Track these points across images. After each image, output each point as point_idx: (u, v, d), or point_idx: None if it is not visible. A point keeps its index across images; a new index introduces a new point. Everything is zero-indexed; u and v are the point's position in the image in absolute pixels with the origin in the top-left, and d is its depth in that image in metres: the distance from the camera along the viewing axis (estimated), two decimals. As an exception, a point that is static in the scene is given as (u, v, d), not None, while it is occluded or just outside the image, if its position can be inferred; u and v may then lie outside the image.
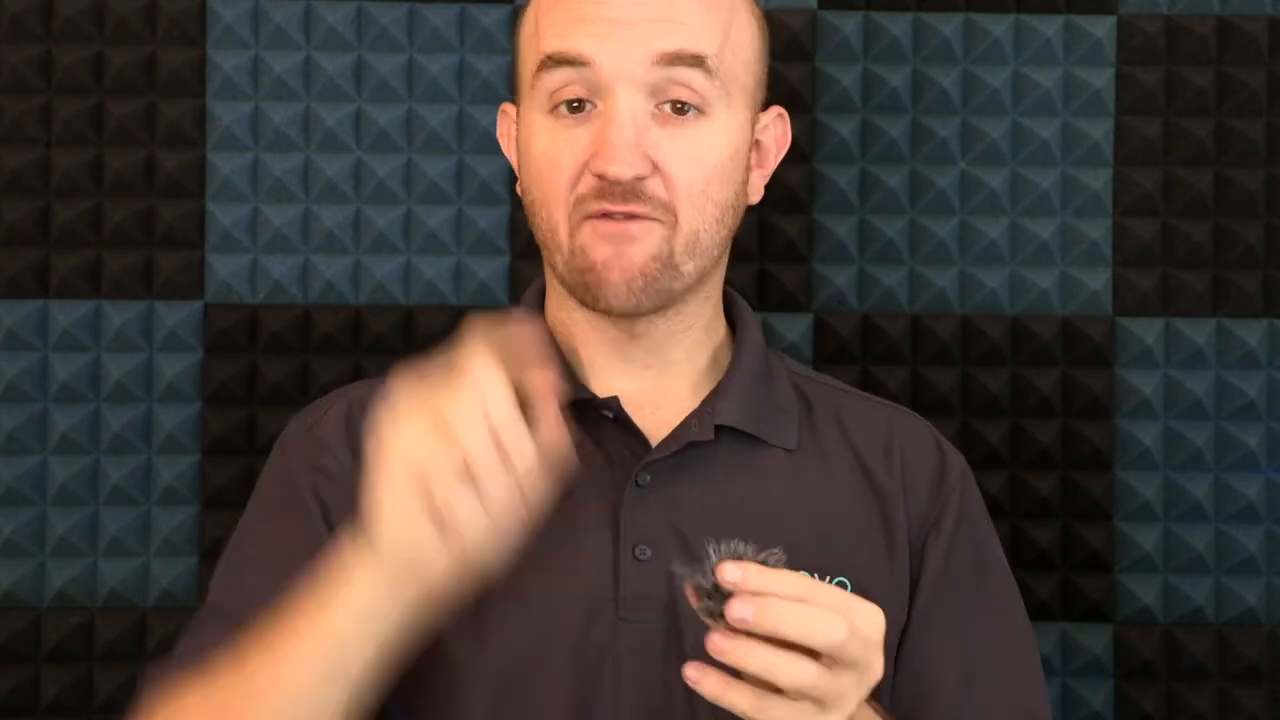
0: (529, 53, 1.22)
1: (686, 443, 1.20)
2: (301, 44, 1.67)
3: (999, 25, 1.69)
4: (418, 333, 1.66)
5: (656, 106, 1.17)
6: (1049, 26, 1.69)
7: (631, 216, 1.16)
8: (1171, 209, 1.69)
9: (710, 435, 1.20)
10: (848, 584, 1.17)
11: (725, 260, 1.25)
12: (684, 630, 1.14)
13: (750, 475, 1.21)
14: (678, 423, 1.21)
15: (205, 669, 1.11)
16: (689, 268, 1.19)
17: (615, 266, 1.17)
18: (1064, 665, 1.67)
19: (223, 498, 1.64)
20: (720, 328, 1.28)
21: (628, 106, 1.16)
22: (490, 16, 1.68)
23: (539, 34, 1.20)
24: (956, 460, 1.28)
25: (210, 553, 1.61)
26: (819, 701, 0.97)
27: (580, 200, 1.17)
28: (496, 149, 1.36)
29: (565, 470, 1.06)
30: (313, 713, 1.06)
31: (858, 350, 1.68)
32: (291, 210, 1.67)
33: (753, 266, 1.68)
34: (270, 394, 1.66)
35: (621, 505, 1.17)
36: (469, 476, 1.00)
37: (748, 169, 1.23)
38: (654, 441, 1.20)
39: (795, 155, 1.65)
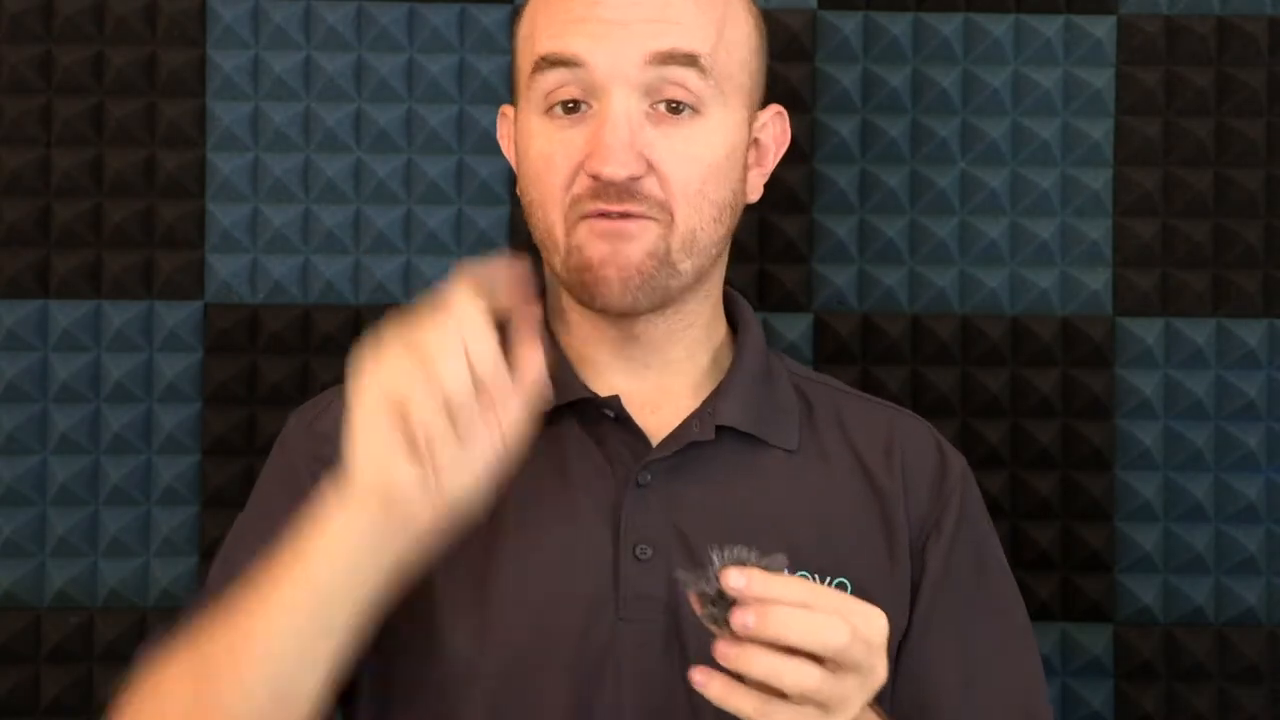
0: (525, 54, 1.22)
1: (687, 443, 1.20)
2: (301, 44, 1.68)
3: (999, 25, 1.69)
4: (418, 333, 1.66)
5: (651, 106, 1.17)
6: (1049, 26, 1.69)
7: (627, 215, 1.16)
8: (1171, 209, 1.69)
9: (711, 435, 1.20)
10: (848, 585, 1.17)
11: (725, 259, 1.25)
12: (684, 630, 1.14)
13: (751, 476, 1.21)
14: (678, 423, 1.21)
15: (190, 633, 1.11)
16: (686, 266, 1.19)
17: (612, 264, 1.17)
18: (1064, 665, 1.67)
19: (223, 498, 1.64)
20: (721, 328, 1.28)
21: (622, 106, 1.16)
22: (490, 16, 1.68)
23: (534, 35, 1.20)
24: (957, 461, 1.28)
25: (210, 553, 1.60)
26: (823, 705, 0.98)
27: (576, 200, 1.17)
28: (496, 149, 1.36)
29: (543, 405, 1.06)
30: (298, 667, 1.05)
31: (858, 350, 1.68)
32: (291, 210, 1.67)
33: (753, 266, 1.68)
34: (270, 394, 1.66)
35: (622, 505, 1.17)
36: (447, 409, 1.00)
37: (745, 167, 1.23)
38: (655, 441, 1.20)
39: (795, 155, 1.65)
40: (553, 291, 1.26)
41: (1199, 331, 1.68)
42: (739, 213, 1.24)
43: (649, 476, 1.18)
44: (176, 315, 1.66)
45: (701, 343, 1.25)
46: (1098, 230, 1.69)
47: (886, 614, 1.02)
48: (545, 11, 1.20)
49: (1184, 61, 1.69)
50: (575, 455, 1.20)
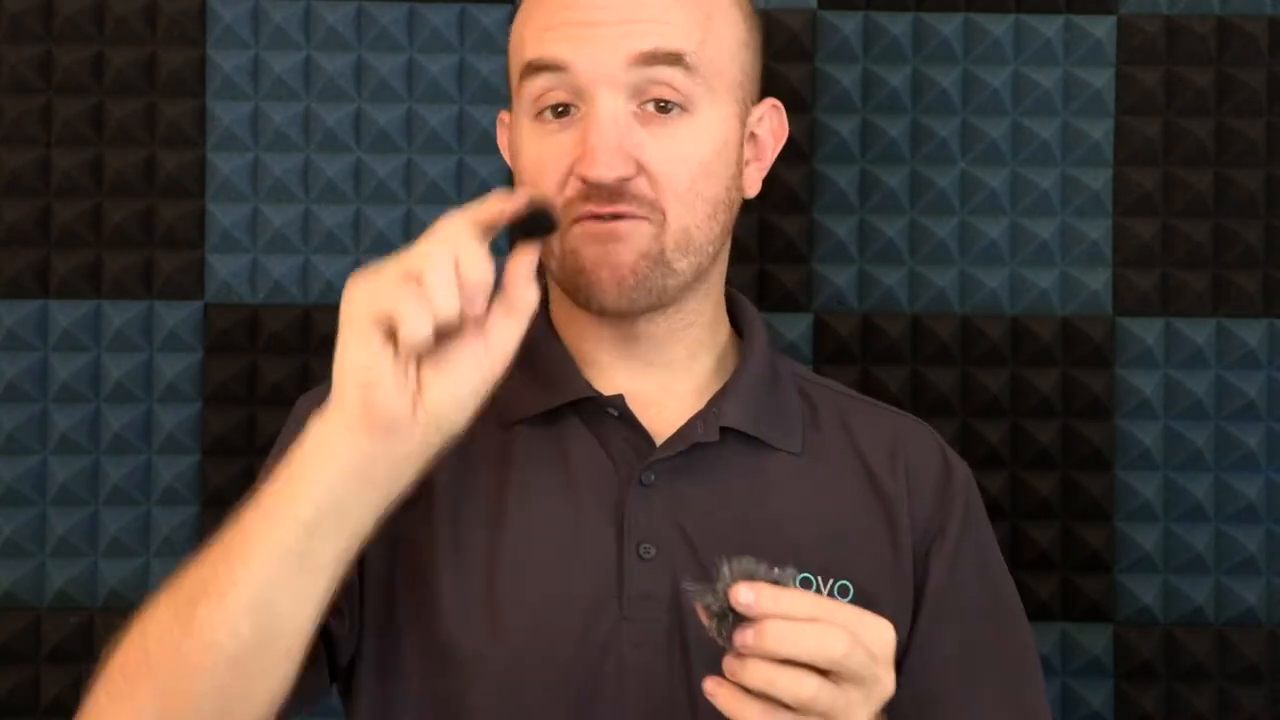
0: (514, 61, 1.22)
1: (692, 443, 1.20)
2: (301, 44, 1.68)
3: (999, 25, 1.69)
4: (418, 333, 1.66)
5: (639, 106, 1.17)
6: (1049, 26, 1.69)
7: (619, 217, 1.16)
8: (1171, 209, 1.69)
9: (715, 437, 1.20)
10: (850, 586, 1.17)
11: (725, 257, 1.25)
12: (687, 629, 1.14)
13: (755, 477, 1.21)
14: (682, 423, 1.21)
15: (176, 575, 1.08)
16: (683, 265, 1.19)
17: (605, 265, 1.17)
18: (1064, 665, 1.67)
19: (223, 498, 1.64)
20: (724, 328, 1.28)
21: (608, 108, 1.16)
22: (490, 16, 1.68)
23: (521, 42, 1.21)
24: (961, 467, 1.28)
25: (210, 553, 1.61)
26: (825, 715, 0.98)
27: (569, 204, 1.17)
28: (496, 149, 1.36)
29: (531, 324, 1.05)
30: (285, 602, 1.03)
31: (858, 350, 1.68)
32: (291, 210, 1.67)
33: (753, 266, 1.68)
34: (270, 394, 1.66)
35: (625, 504, 1.17)
36: (435, 324, 0.99)
37: (740, 163, 1.23)
38: (658, 441, 1.20)
39: (795, 155, 1.65)
40: (554, 292, 1.26)
41: (1199, 331, 1.68)
42: (736, 209, 1.23)
43: (653, 476, 1.18)
44: (176, 315, 1.66)
45: (704, 342, 1.25)
46: (1098, 230, 1.69)
47: (889, 616, 1.02)
48: (531, 17, 1.21)
49: (1184, 61, 1.69)
50: (579, 454, 1.19)
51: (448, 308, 0.99)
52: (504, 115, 1.28)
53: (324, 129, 1.67)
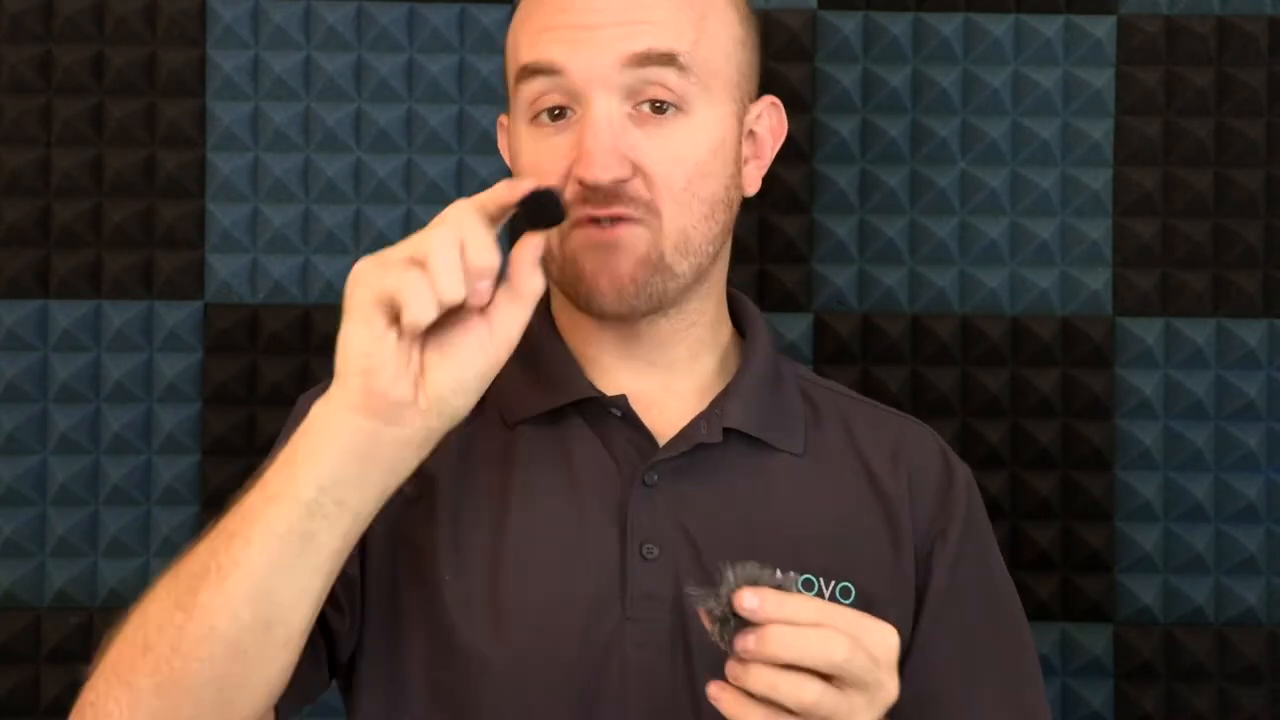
0: (510, 65, 1.22)
1: (695, 444, 1.20)
2: (301, 44, 1.68)
3: (999, 25, 1.69)
4: (418, 333, 1.66)
5: (634, 107, 1.17)
6: (1049, 26, 1.69)
7: (616, 220, 1.16)
8: (1171, 209, 1.69)
9: (719, 438, 1.20)
10: (852, 588, 1.17)
11: (726, 257, 1.25)
12: (690, 629, 1.14)
13: (757, 478, 1.21)
14: (684, 423, 1.21)
15: (176, 562, 1.08)
16: (683, 267, 1.19)
17: (604, 273, 1.17)
18: (1064, 665, 1.67)
19: (223, 498, 1.62)
20: (726, 329, 1.28)
21: (603, 110, 1.16)
22: (490, 16, 1.68)
23: (516, 46, 1.21)
24: (962, 470, 1.28)
25: (210, 553, 1.61)
26: None
27: (567, 207, 1.17)
28: (496, 149, 1.36)
29: (533, 325, 1.05)
30: (284, 587, 1.02)
31: (858, 350, 1.68)
32: (291, 210, 1.67)
33: (753, 266, 1.68)
34: (270, 394, 1.66)
35: (629, 504, 1.17)
36: (439, 306, 0.99)
37: (738, 161, 1.23)
38: (661, 441, 1.20)
39: (795, 155, 1.65)
40: (555, 294, 1.26)
41: (1199, 331, 1.68)
42: (735, 208, 1.23)
43: (656, 476, 1.18)
44: (176, 315, 1.66)
45: (706, 343, 1.25)
46: (1098, 230, 1.69)
47: (890, 618, 1.02)
48: (525, 21, 1.21)
49: (1184, 61, 1.69)
50: (582, 454, 1.19)
51: (452, 292, 0.99)
52: (503, 119, 1.28)
53: (324, 129, 1.67)
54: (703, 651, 1.12)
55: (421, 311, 0.99)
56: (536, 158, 1.18)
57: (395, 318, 1.00)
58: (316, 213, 1.67)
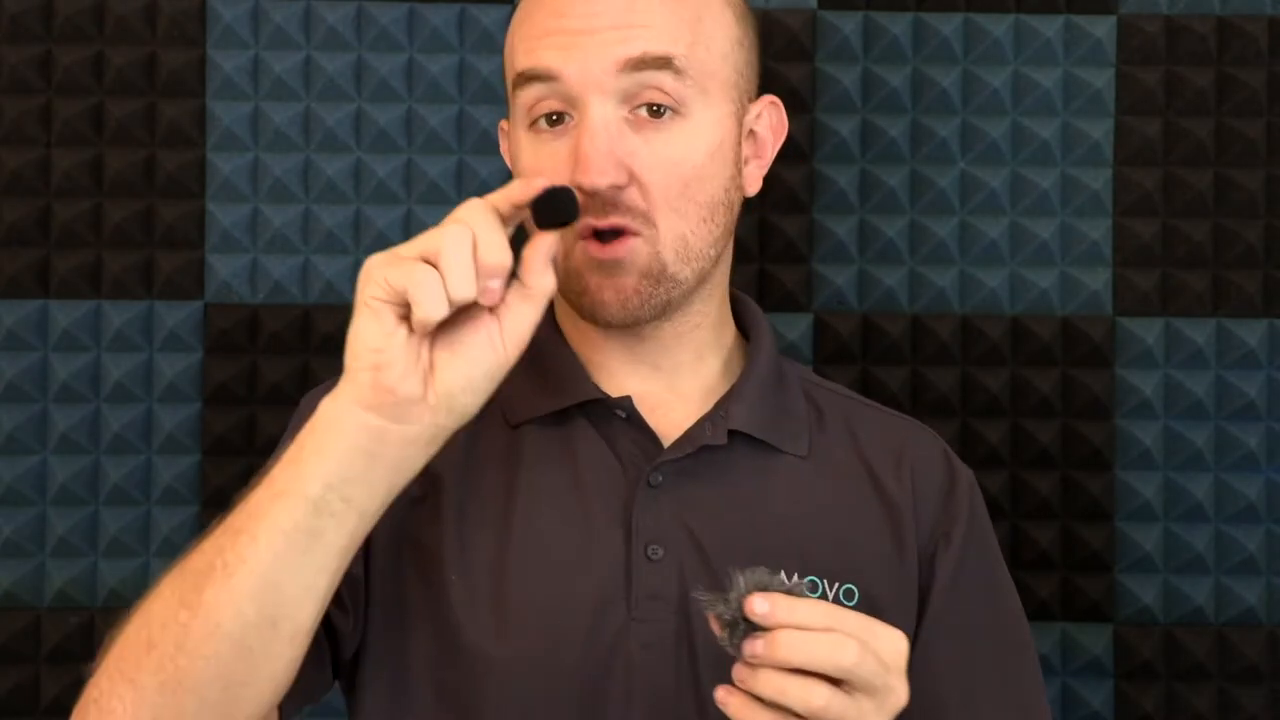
0: (508, 71, 1.22)
1: (700, 445, 1.20)
2: (301, 44, 1.68)
3: (999, 25, 1.69)
4: (418, 333, 1.66)
5: (631, 111, 1.17)
6: (1049, 26, 1.69)
7: (616, 232, 1.16)
8: (1171, 209, 1.69)
9: (723, 439, 1.20)
10: (855, 590, 1.17)
11: (728, 258, 1.25)
12: (694, 630, 1.14)
13: (761, 480, 1.21)
14: (689, 425, 1.21)
15: (180, 560, 1.08)
16: (686, 274, 1.19)
17: (607, 288, 1.17)
18: (1064, 665, 1.67)
19: (223, 498, 1.63)
20: (729, 331, 1.28)
21: (599, 115, 1.16)
22: (490, 16, 1.68)
23: (513, 52, 1.21)
24: (965, 472, 1.28)
25: (210, 553, 1.61)
26: None
27: None
28: (496, 150, 1.36)
29: (538, 328, 1.05)
30: (289, 584, 1.02)
31: (858, 350, 1.68)
32: (291, 210, 1.67)
33: (753, 266, 1.68)
34: (270, 394, 1.66)
35: (634, 505, 1.17)
36: (450, 303, 0.99)
37: (738, 162, 1.23)
38: (666, 443, 1.20)
39: (795, 155, 1.65)
40: (559, 299, 1.26)
41: (1199, 331, 1.68)
42: (736, 209, 1.23)
43: (660, 477, 1.18)
44: (176, 315, 1.66)
45: (710, 344, 1.25)
46: (1098, 230, 1.69)
47: (893, 620, 1.02)
48: (521, 27, 1.21)
49: (1184, 61, 1.69)
50: (587, 455, 1.19)
51: (464, 290, 0.99)
52: (504, 124, 1.28)
53: (324, 129, 1.67)
54: (707, 652, 1.12)
55: (432, 309, 0.99)
56: (537, 164, 1.18)
57: (406, 314, 1.00)
58: (316, 213, 1.67)
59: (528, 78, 1.18)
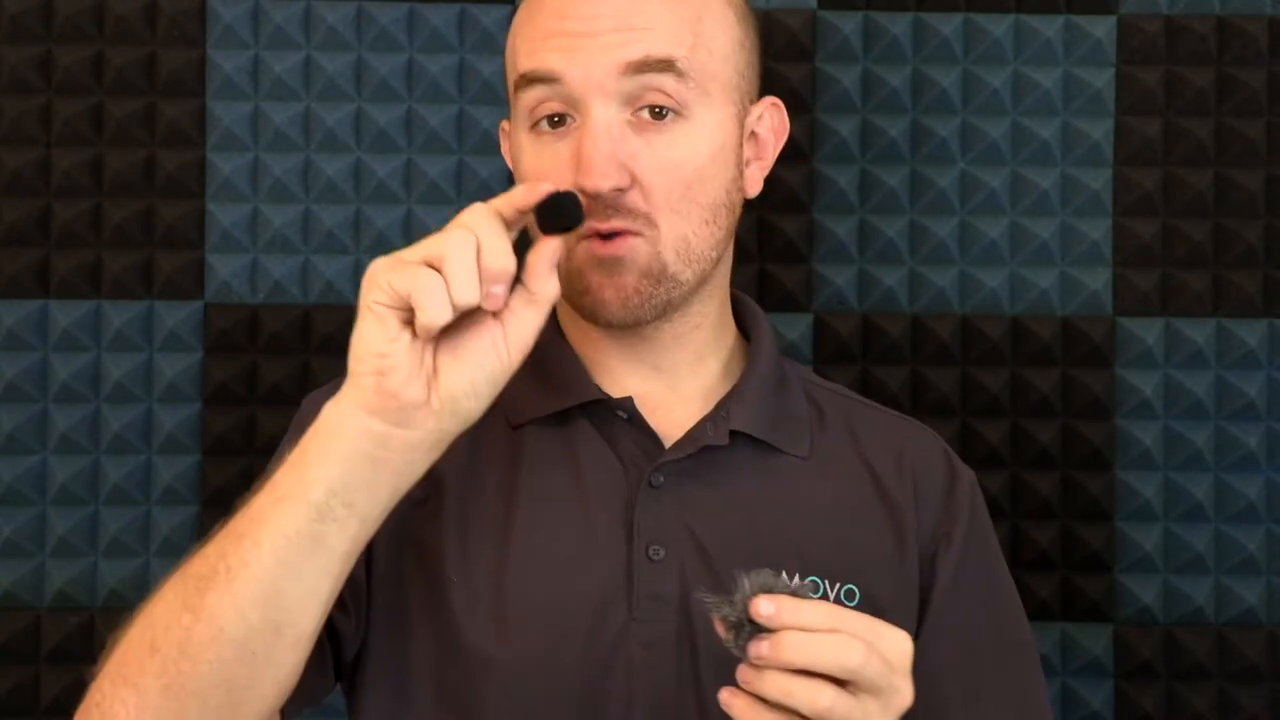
0: (510, 73, 1.22)
1: (701, 446, 1.20)
2: (301, 44, 1.68)
3: (999, 25, 1.69)
4: (418, 333, 1.66)
5: (633, 114, 1.17)
6: (1049, 26, 1.69)
7: (617, 234, 1.16)
8: (1171, 209, 1.69)
9: (725, 440, 1.20)
10: (856, 590, 1.18)
11: (729, 259, 1.25)
12: (695, 630, 1.15)
13: (763, 481, 1.22)
14: (690, 425, 1.21)
15: (183, 563, 1.08)
16: (687, 275, 1.19)
17: (609, 287, 1.17)
18: (1064, 665, 1.67)
19: (223, 498, 1.64)
20: (730, 331, 1.28)
21: (601, 118, 1.16)
22: (490, 16, 1.68)
23: (515, 54, 1.21)
24: (966, 473, 1.29)
25: (210, 553, 1.60)
26: None
27: None
28: (496, 150, 1.36)
29: (551, 305, 1.05)
30: (292, 588, 1.02)
31: (858, 350, 1.68)
32: (291, 210, 1.67)
33: (753, 266, 1.68)
34: (270, 394, 1.66)
35: (635, 505, 1.17)
36: (453, 308, 0.99)
37: (740, 164, 1.23)
38: (667, 443, 1.20)
39: (795, 155, 1.65)
40: (560, 301, 1.26)
41: (1199, 331, 1.68)
42: (737, 210, 1.23)
43: (662, 478, 1.18)
44: (176, 315, 1.66)
45: (711, 345, 1.25)
46: (1098, 230, 1.69)
47: (894, 620, 1.02)
48: (522, 28, 1.21)
49: (1184, 61, 1.69)
50: (588, 455, 1.20)
51: (467, 295, 0.99)
52: (505, 124, 1.28)
53: (324, 129, 1.67)
54: (709, 652, 1.12)
55: (436, 313, 0.99)
56: (539, 166, 1.18)
57: (409, 319, 1.00)
58: (316, 213, 1.67)
59: (530, 79, 1.18)
